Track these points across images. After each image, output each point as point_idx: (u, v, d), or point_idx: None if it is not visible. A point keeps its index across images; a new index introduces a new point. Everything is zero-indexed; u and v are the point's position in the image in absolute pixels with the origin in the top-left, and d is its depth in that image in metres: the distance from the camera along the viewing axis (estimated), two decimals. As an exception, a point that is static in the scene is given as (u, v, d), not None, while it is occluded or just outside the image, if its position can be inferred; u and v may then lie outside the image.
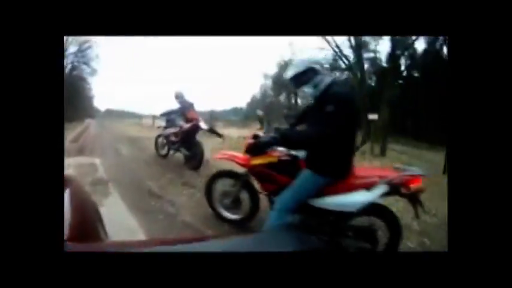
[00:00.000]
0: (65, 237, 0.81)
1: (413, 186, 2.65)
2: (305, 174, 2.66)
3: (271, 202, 3.03)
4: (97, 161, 7.57)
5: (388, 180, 2.65)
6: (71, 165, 6.68)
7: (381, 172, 2.80)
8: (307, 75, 2.63)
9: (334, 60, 18.83)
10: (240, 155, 3.33)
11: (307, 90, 2.67)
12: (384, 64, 19.58)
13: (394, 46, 17.64)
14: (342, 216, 2.76)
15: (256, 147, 2.86)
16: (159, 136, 7.95)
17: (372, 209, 2.72)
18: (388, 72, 18.12)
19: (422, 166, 3.20)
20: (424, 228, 3.70)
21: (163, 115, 7.63)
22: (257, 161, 3.02)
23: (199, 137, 7.00)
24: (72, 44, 19.98)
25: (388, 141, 9.03)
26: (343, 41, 18.28)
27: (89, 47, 21.23)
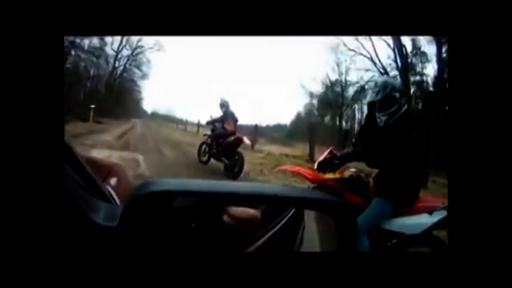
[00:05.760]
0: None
1: None
2: (377, 203, 2.64)
3: None
4: (140, 157, 7.81)
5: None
6: (115, 158, 6.94)
7: (444, 198, 2.70)
8: (391, 99, 2.63)
9: (380, 83, 18.23)
10: (308, 169, 3.35)
11: (387, 114, 2.66)
12: (431, 88, 18.59)
13: (442, 69, 16.73)
14: (404, 240, 2.69)
15: (330, 163, 2.94)
16: (202, 144, 8.09)
17: (430, 238, 2.66)
18: (435, 97, 17.20)
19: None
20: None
21: (208, 123, 7.88)
22: (329, 175, 2.96)
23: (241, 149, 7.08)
24: (125, 47, 21.04)
25: (431, 172, 8.68)
26: (390, 63, 17.75)
27: (142, 52, 22.19)
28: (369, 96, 2.77)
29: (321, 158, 3.09)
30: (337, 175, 2.94)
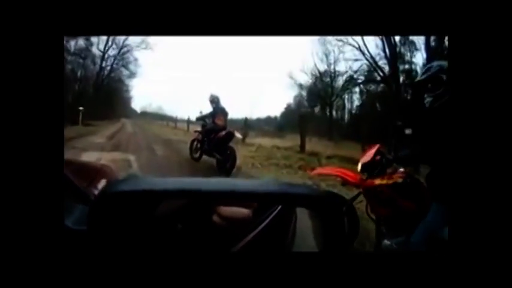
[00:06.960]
0: None
1: None
2: (433, 207, 2.36)
3: (378, 228, 2.78)
4: (131, 157, 7.77)
5: None
6: (106, 160, 6.90)
7: None
8: (437, 80, 2.44)
9: (369, 72, 18.43)
10: (350, 172, 3.03)
11: (432, 96, 2.46)
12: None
13: (430, 57, 16.81)
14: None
15: (379, 164, 2.67)
16: (193, 140, 8.08)
17: None
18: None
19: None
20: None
21: (198, 119, 7.92)
22: (381, 181, 2.63)
23: (233, 143, 7.11)
24: (112, 47, 20.77)
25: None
26: (379, 52, 17.78)
27: (128, 51, 21.97)
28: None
29: (367, 158, 2.76)
30: (389, 180, 2.62)
